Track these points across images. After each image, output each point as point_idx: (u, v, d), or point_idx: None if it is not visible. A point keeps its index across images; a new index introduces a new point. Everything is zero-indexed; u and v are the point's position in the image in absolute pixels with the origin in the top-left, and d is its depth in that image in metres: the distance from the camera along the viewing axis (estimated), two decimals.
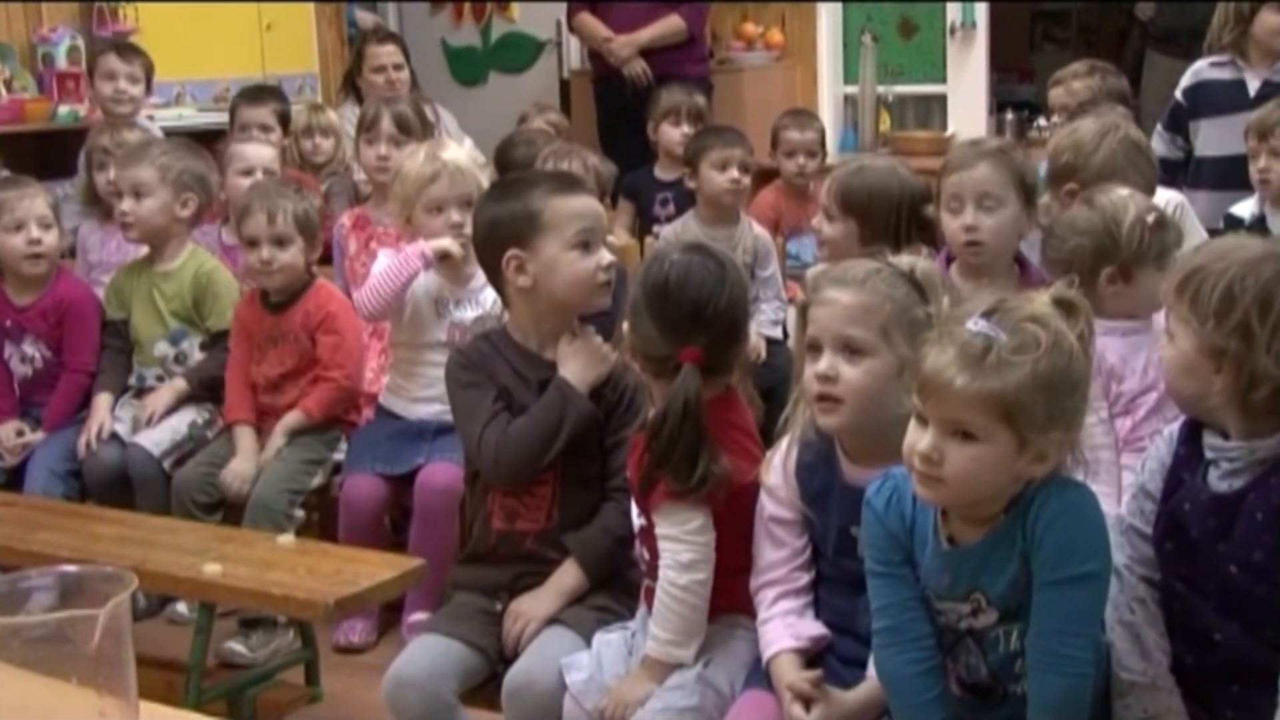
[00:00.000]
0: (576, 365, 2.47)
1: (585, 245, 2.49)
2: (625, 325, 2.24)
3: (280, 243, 3.44)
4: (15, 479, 3.56)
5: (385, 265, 3.37)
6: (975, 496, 1.78)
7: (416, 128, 4.08)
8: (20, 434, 3.62)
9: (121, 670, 1.08)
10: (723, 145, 4.32)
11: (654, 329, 2.18)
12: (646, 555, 2.25)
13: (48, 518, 3.14)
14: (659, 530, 2.17)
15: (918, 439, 1.76)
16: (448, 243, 3.36)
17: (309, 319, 3.50)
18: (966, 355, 1.72)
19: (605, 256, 2.52)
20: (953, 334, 1.75)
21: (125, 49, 4.86)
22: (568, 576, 2.44)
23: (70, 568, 1.14)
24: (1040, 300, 1.78)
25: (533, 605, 2.42)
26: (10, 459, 3.58)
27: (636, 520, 2.28)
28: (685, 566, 2.14)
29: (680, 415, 2.10)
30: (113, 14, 5.61)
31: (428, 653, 2.37)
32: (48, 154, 5.08)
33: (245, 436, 3.48)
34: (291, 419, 3.46)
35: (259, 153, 4.23)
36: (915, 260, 2.08)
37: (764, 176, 4.91)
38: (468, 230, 3.26)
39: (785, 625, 2.10)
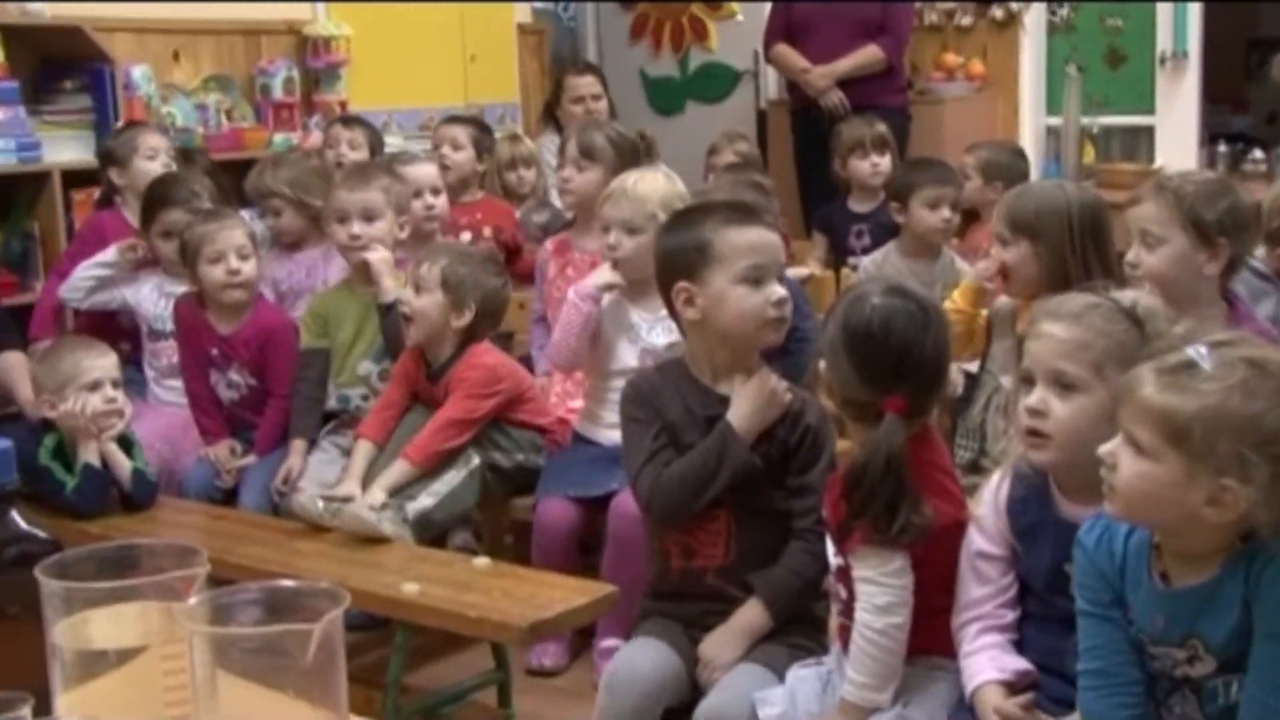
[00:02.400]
0: (746, 409, 2.44)
1: (755, 280, 2.46)
2: (822, 364, 2.21)
3: (418, 289, 3.40)
4: (229, 500, 3.66)
5: (562, 317, 3.43)
6: (1145, 518, 1.73)
7: (603, 153, 4.06)
8: (233, 452, 3.73)
9: (334, 684, 1.09)
10: (936, 184, 4.26)
11: (854, 374, 2.14)
12: (843, 594, 2.21)
13: (255, 533, 3.24)
14: (856, 572, 2.13)
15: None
16: (607, 277, 3.41)
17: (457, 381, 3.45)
18: (1163, 369, 1.68)
19: (776, 291, 2.47)
20: (1169, 350, 1.70)
21: (351, 121, 5.00)
22: (753, 616, 2.42)
23: (287, 582, 1.16)
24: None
25: (721, 650, 2.40)
26: (227, 479, 3.68)
27: (833, 560, 2.24)
28: (882, 609, 2.10)
29: (882, 468, 2.06)
30: (325, 46, 5.79)
31: (650, 651, 2.39)
32: None
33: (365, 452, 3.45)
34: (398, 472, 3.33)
35: (420, 172, 4.24)
36: (1137, 295, 2.02)
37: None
38: (625, 253, 3.38)
39: (989, 658, 2.05)
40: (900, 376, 2.11)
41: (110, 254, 4.08)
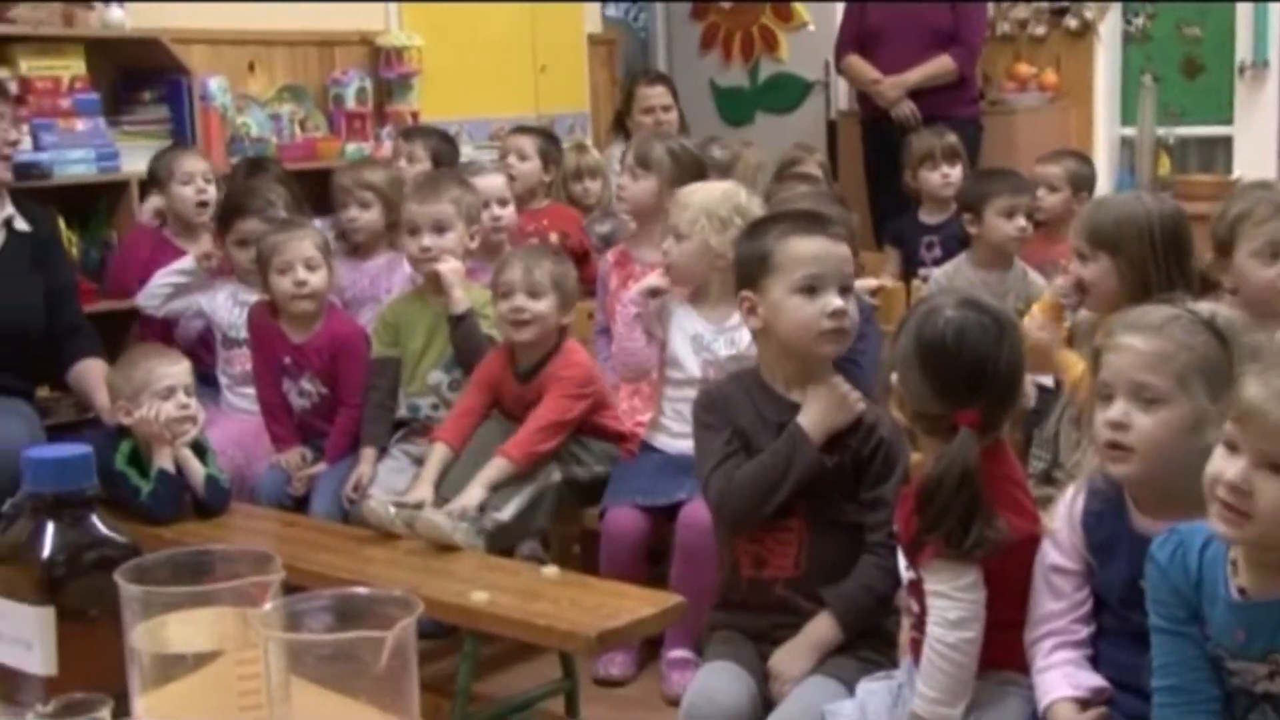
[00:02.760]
0: (815, 413, 2.44)
1: (811, 290, 2.45)
2: (893, 377, 2.19)
3: (534, 294, 3.43)
4: (300, 507, 3.68)
5: (618, 323, 3.46)
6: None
7: (659, 163, 4.07)
8: (304, 459, 3.76)
9: (406, 692, 1.10)
10: (1010, 193, 4.23)
11: (927, 388, 2.12)
12: (915, 607, 2.20)
13: (326, 539, 3.27)
14: (928, 586, 2.11)
15: (1225, 468, 1.66)
16: (654, 281, 3.45)
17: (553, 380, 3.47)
18: None
19: (833, 302, 2.46)
20: None
21: (412, 134, 5.03)
22: (824, 630, 2.41)
23: (360, 589, 1.16)
24: None
25: (791, 663, 2.39)
26: (298, 487, 3.71)
27: (905, 573, 2.23)
28: (954, 624, 2.08)
29: (956, 483, 2.04)
30: (398, 57, 5.84)
31: (727, 679, 2.38)
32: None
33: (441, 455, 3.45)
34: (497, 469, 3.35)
35: (487, 183, 4.25)
36: (1216, 307, 1.99)
37: None
38: (673, 258, 3.40)
39: (1064, 675, 2.03)
40: (974, 390, 2.10)
41: (187, 261, 4.13)
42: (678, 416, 3.42)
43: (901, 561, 2.24)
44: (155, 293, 4.12)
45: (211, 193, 4.38)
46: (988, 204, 4.22)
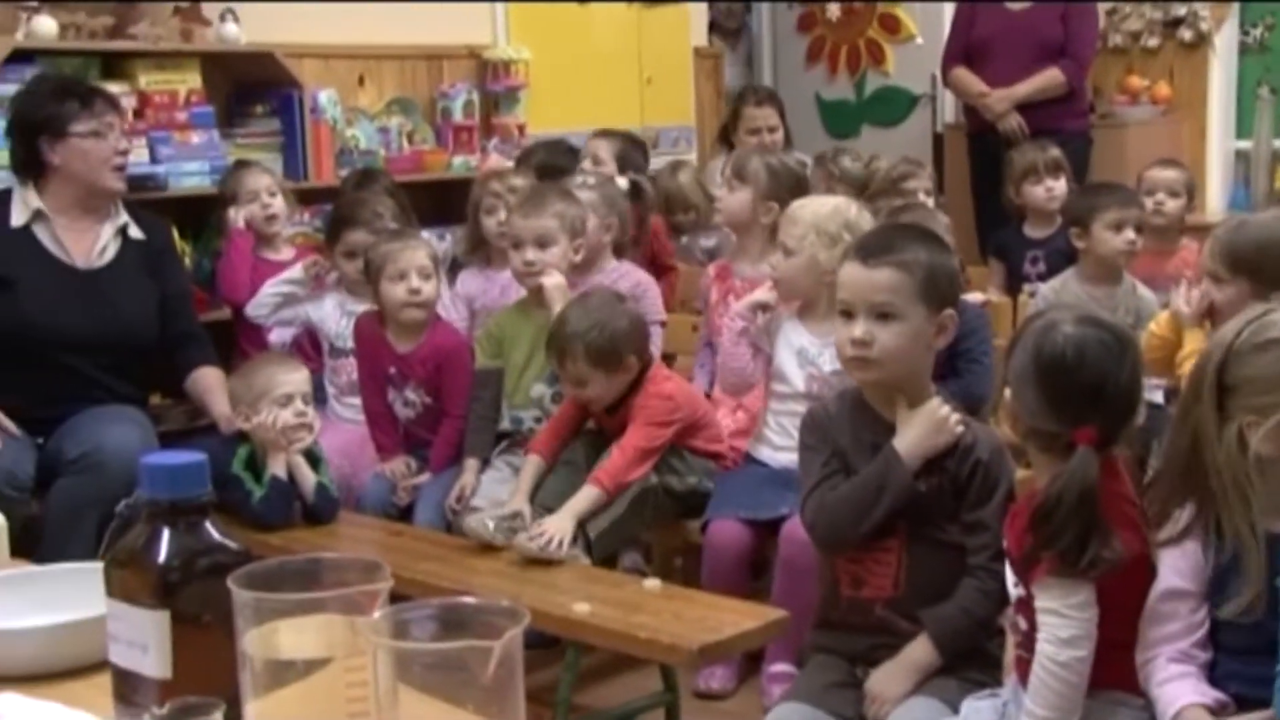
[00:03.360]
0: (912, 435, 2.40)
1: (846, 314, 2.44)
2: (1007, 392, 2.16)
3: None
4: (404, 516, 3.72)
5: (724, 336, 3.47)
6: None
7: (755, 175, 4.04)
8: (409, 467, 3.80)
9: (512, 701, 1.10)
10: (1119, 205, 4.16)
11: (1044, 404, 2.09)
12: (1023, 625, 2.16)
13: (431, 549, 3.30)
14: (1039, 603, 2.08)
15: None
16: (761, 295, 3.45)
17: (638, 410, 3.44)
18: None
19: (852, 332, 2.44)
20: None
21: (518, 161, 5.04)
22: (922, 653, 2.37)
23: (467, 599, 1.17)
24: None
25: (888, 685, 2.36)
26: (404, 497, 3.74)
27: (1013, 590, 2.20)
28: (1065, 642, 2.05)
29: (1075, 501, 2.01)
30: (505, 70, 5.89)
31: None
32: (441, 201, 5.36)
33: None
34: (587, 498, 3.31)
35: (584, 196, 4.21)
36: None
37: None
38: (780, 272, 3.40)
39: (1189, 685, 1.99)
40: (1093, 408, 2.07)
41: (296, 271, 4.19)
42: (781, 430, 3.41)
43: (1010, 578, 2.21)
44: (264, 302, 4.19)
45: (276, 206, 4.46)
46: (1096, 217, 4.15)
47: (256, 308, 4.21)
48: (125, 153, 3.86)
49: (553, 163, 4.91)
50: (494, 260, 4.32)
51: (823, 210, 3.44)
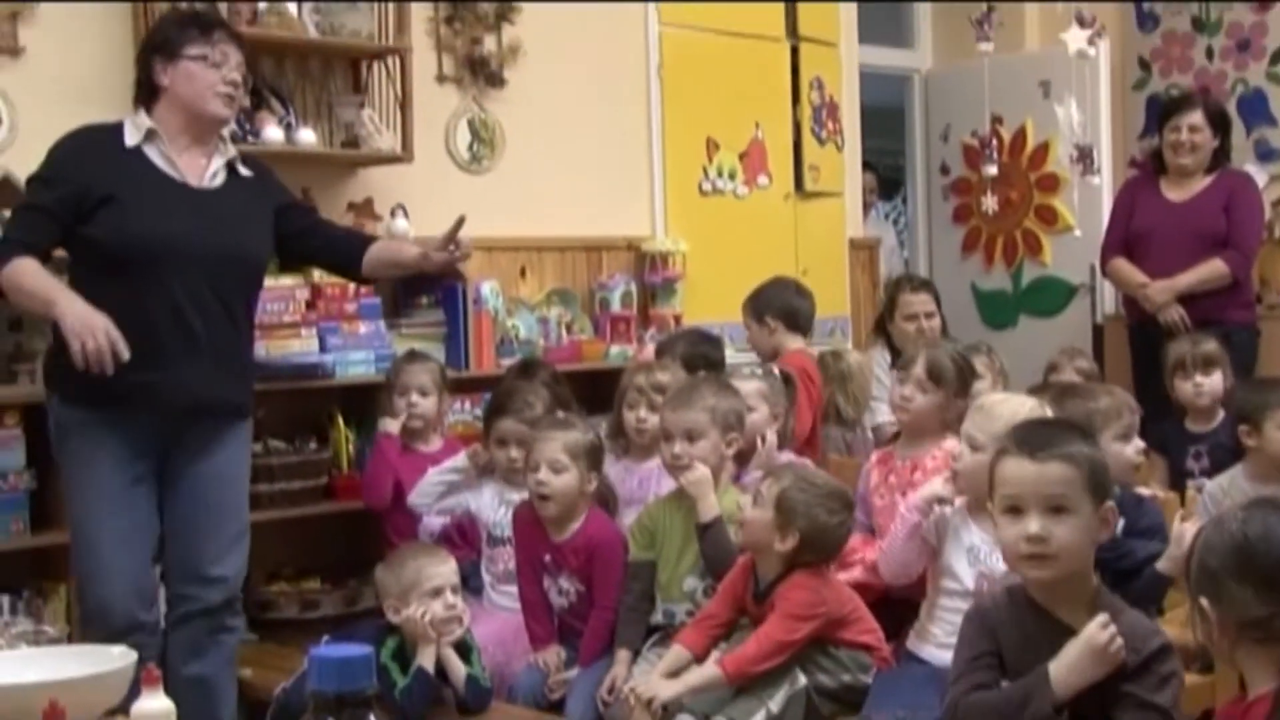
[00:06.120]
0: (1069, 660, 2.35)
1: (1014, 510, 2.41)
2: (1204, 601, 2.07)
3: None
4: (555, 708, 3.69)
5: (894, 525, 3.42)
6: None
7: (948, 378, 3.96)
8: (559, 658, 3.78)
9: None
10: None
11: (1247, 591, 2.00)
12: None
13: None
14: None
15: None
16: (938, 489, 3.40)
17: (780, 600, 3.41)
18: None
19: (1029, 527, 2.40)
20: None
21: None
22: None
23: None
24: None
25: None
26: (556, 690, 3.72)
27: None
28: None
29: None
30: (663, 261, 6.00)
31: None
32: (601, 390, 5.40)
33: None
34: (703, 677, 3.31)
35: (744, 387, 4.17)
36: None
37: None
38: (962, 465, 3.34)
39: None
40: None
41: (460, 459, 4.26)
42: (944, 625, 3.34)
43: None
44: (428, 490, 4.25)
45: (423, 406, 4.57)
46: (1267, 415, 4.04)
47: (420, 496, 4.27)
48: (237, 85, 3.83)
49: (696, 352, 4.93)
50: (631, 451, 4.37)
51: (1023, 410, 3.35)
